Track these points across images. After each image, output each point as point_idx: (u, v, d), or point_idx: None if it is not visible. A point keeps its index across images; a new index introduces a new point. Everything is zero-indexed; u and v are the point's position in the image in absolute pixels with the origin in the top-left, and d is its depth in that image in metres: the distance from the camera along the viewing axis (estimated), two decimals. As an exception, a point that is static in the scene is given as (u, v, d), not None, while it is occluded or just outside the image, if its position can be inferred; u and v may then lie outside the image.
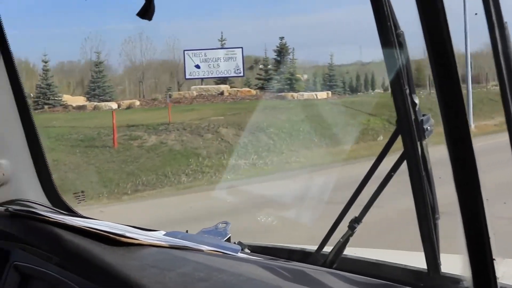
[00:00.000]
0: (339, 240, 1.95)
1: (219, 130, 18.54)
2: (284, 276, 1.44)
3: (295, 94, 29.21)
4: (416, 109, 1.61)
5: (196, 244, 1.75)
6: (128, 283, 1.39)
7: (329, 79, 34.20)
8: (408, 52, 1.58)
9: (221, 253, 1.74)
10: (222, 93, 29.36)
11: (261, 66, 36.10)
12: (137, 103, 27.83)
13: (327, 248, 2.08)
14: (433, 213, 1.69)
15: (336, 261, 2.00)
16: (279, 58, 35.34)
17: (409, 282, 1.81)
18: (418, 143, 1.63)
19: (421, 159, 1.64)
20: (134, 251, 1.60)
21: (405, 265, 1.94)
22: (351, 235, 1.94)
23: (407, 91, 1.58)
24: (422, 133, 1.63)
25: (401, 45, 1.55)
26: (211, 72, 30.15)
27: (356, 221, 1.91)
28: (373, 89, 36.63)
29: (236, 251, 1.87)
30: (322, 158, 15.84)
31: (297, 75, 33.38)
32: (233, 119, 19.64)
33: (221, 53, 30.92)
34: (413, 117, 1.61)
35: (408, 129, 1.61)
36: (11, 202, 2.22)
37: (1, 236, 2.03)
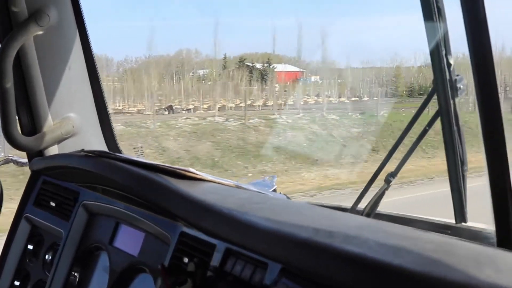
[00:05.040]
0: (376, 193, 2.14)
1: None
2: (324, 213, 1.61)
3: None
4: (451, 69, 1.80)
5: (249, 188, 1.96)
6: (193, 201, 1.61)
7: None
8: (446, 17, 1.77)
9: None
10: None
11: None
12: None
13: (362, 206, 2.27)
14: (462, 165, 1.88)
15: (371, 214, 2.19)
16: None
17: (437, 232, 2.00)
18: (452, 101, 1.82)
19: (454, 116, 1.83)
20: (197, 184, 1.81)
21: (433, 219, 2.14)
22: (386, 188, 2.13)
23: (444, 52, 1.77)
24: (455, 92, 1.82)
25: (440, 10, 1.75)
26: None
27: (392, 175, 2.10)
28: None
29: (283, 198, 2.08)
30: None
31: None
32: None
33: None
34: (448, 77, 1.80)
35: (443, 88, 1.80)
36: (78, 152, 2.46)
37: (73, 178, 2.27)
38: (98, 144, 2.57)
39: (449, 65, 1.79)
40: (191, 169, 1.85)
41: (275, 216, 1.44)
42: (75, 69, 2.50)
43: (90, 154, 2.11)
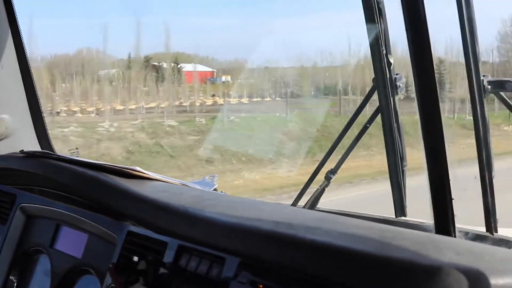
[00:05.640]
0: (316, 189, 2.19)
1: None
2: (278, 208, 1.63)
3: None
4: (391, 68, 1.87)
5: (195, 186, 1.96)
6: (146, 201, 1.60)
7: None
8: (387, 18, 1.83)
9: None
10: None
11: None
12: None
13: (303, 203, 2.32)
14: (402, 161, 1.95)
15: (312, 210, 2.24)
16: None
17: None
18: (391, 98, 1.89)
19: (393, 112, 1.90)
20: (146, 183, 1.81)
21: (373, 214, 2.21)
22: (327, 185, 2.19)
23: (384, 52, 1.84)
24: (395, 90, 1.89)
25: (381, 11, 1.81)
26: None
27: (332, 172, 2.15)
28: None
29: None
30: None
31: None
32: None
33: None
34: (388, 75, 1.87)
35: (383, 86, 1.87)
36: (17, 153, 2.39)
37: (8, 180, 2.20)
38: (32, 145, 2.50)
39: (389, 64, 1.86)
40: (138, 168, 1.84)
41: (231, 211, 1.45)
42: (8, 68, 2.43)
43: (28, 155, 2.05)
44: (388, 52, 1.85)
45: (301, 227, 1.24)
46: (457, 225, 1.65)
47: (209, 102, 25.41)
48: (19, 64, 2.46)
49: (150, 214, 1.58)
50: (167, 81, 26.30)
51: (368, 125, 1.98)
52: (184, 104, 24.07)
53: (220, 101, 25.49)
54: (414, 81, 1.47)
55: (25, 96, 2.49)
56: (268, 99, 24.97)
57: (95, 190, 1.78)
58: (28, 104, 2.51)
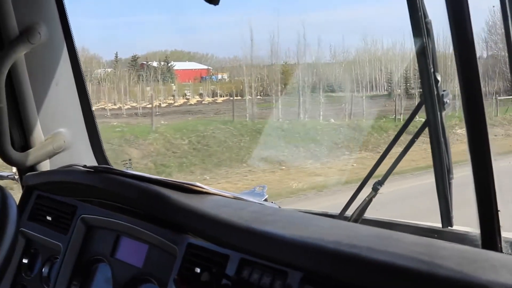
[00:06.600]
0: (364, 200, 2.26)
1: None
2: (334, 224, 1.72)
3: None
4: (438, 85, 1.94)
5: (248, 199, 2.05)
6: (210, 216, 1.70)
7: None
8: (434, 37, 1.90)
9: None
10: None
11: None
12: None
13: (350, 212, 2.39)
14: (449, 173, 2.02)
15: (359, 220, 2.31)
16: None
17: (425, 236, 2.13)
18: (439, 114, 1.96)
19: (441, 128, 1.97)
20: (205, 197, 1.90)
21: (420, 223, 2.27)
22: (374, 196, 2.25)
23: (432, 69, 1.91)
24: (442, 105, 1.95)
25: (429, 31, 1.88)
26: None
27: (379, 183, 2.22)
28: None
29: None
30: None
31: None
32: None
33: None
34: (435, 91, 1.94)
35: (431, 101, 1.94)
36: (69, 166, 2.50)
37: (70, 192, 2.31)
38: (88, 158, 2.62)
39: (436, 81, 1.93)
40: (198, 184, 1.93)
41: (292, 227, 1.54)
42: (65, 84, 2.54)
43: (91, 170, 2.16)
44: (435, 70, 1.92)
45: (362, 245, 1.32)
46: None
47: (180, 102, 25.06)
48: (74, 79, 2.58)
49: (213, 229, 1.68)
50: (151, 80, 25.66)
51: (415, 139, 2.05)
52: (148, 106, 23.11)
53: (193, 101, 24.99)
54: (462, 95, 1.54)
55: (80, 109, 2.61)
56: (248, 97, 24.43)
57: (159, 205, 1.87)
58: (84, 117, 2.62)
